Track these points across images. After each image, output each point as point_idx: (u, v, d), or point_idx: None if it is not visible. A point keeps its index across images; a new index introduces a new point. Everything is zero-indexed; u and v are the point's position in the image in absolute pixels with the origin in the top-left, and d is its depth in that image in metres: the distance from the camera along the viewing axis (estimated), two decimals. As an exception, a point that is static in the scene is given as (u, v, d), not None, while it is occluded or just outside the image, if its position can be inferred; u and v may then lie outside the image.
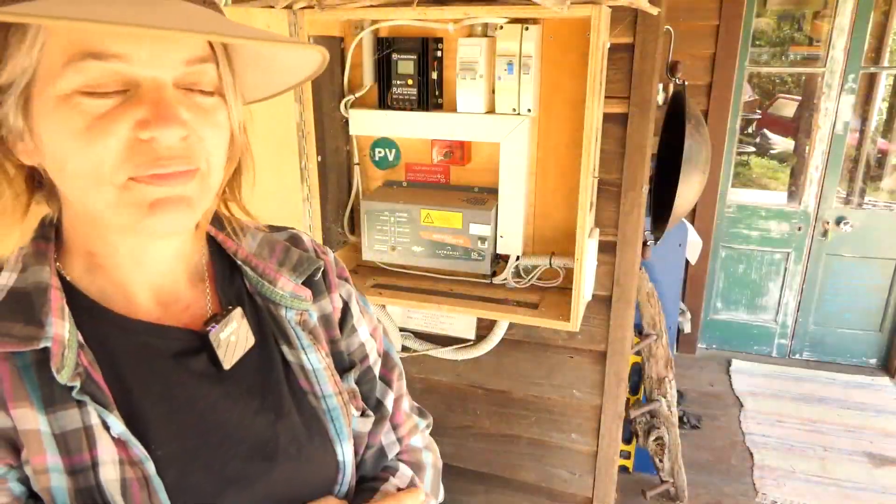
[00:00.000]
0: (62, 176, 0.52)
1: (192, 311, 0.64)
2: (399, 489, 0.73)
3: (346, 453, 0.68)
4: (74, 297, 0.57)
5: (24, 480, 0.53)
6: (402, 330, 1.86)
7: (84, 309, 0.57)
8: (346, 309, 0.74)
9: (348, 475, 0.69)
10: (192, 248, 0.66)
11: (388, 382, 0.78)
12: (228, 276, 0.68)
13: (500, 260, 1.62)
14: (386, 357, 0.79)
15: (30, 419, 0.52)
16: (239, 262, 0.68)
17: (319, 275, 0.71)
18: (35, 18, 0.41)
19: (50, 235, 0.59)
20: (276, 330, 0.67)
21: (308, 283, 0.70)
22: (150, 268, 0.61)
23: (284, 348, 0.67)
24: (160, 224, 0.52)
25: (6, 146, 0.53)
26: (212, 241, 0.68)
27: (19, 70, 0.48)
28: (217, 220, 0.68)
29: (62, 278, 0.58)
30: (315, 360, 0.67)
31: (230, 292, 0.67)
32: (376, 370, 0.77)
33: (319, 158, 1.53)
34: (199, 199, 0.55)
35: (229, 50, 0.57)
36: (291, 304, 0.67)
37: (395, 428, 0.78)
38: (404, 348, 1.87)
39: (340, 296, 0.74)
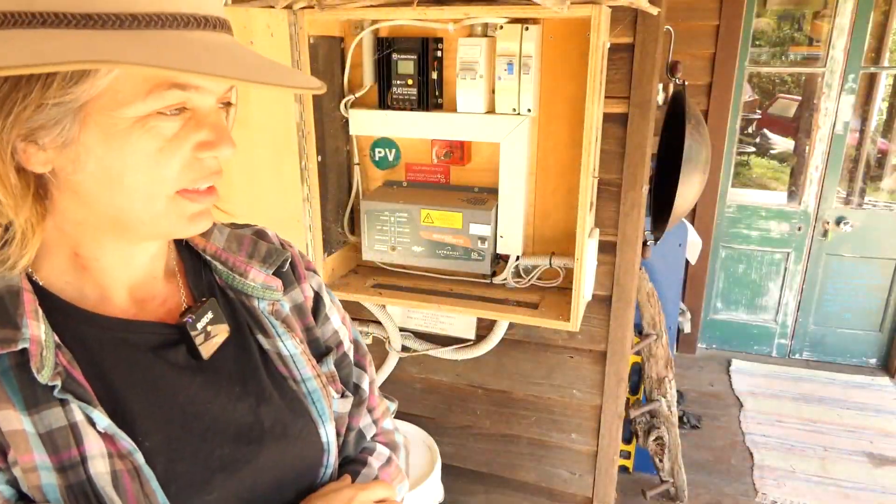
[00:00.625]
0: (109, 188, 0.54)
1: (168, 307, 0.66)
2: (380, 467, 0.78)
3: (329, 434, 0.70)
4: (47, 299, 0.58)
5: (13, 482, 0.53)
6: (402, 330, 1.86)
7: (58, 310, 0.58)
8: (318, 298, 0.77)
9: (333, 457, 0.71)
10: (166, 246, 0.68)
11: (362, 367, 0.81)
12: (199, 272, 0.70)
13: (500, 260, 1.62)
14: (357, 344, 0.82)
15: (13, 420, 0.52)
16: (208, 258, 0.70)
17: (287, 266, 0.74)
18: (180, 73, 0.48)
19: None
20: (250, 320, 0.69)
21: (277, 274, 0.72)
22: (133, 268, 0.63)
23: (260, 337, 0.69)
24: (195, 229, 0.60)
25: (18, 157, 0.52)
26: (177, 239, 0.70)
27: (94, 91, 0.50)
28: None
29: (33, 282, 0.58)
30: (291, 346, 0.70)
31: (202, 286, 0.69)
32: (350, 356, 0.80)
33: (319, 158, 1.53)
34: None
35: None
36: (263, 295, 0.70)
37: (370, 411, 0.81)
38: (404, 348, 1.87)
39: (311, 286, 0.77)
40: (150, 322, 0.63)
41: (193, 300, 0.67)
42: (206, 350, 0.64)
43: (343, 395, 0.75)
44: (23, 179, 0.53)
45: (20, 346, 0.52)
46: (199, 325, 0.63)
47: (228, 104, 0.60)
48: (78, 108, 0.50)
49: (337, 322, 0.79)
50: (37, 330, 0.54)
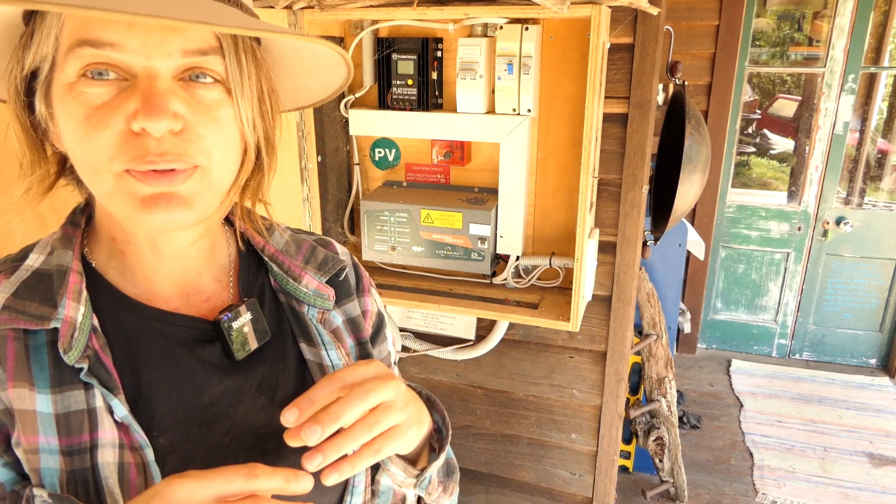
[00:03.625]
0: (74, 162, 0.54)
1: (213, 303, 0.64)
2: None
3: None
4: (96, 281, 0.59)
5: (13, 465, 0.53)
6: (402, 330, 1.86)
7: (104, 293, 0.59)
8: (381, 316, 0.76)
9: (360, 479, 0.68)
10: (216, 243, 0.66)
11: None
12: (254, 272, 0.68)
13: (500, 260, 1.62)
14: (397, 366, 0.81)
15: (26, 399, 0.53)
16: (265, 259, 0.68)
17: (345, 276, 0.72)
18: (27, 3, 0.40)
19: (79, 222, 0.61)
20: (296, 327, 0.67)
21: (333, 283, 0.70)
22: (167, 258, 0.61)
23: (303, 346, 0.67)
24: (153, 220, 0.52)
25: (42, 130, 0.55)
26: (242, 237, 0.69)
27: (40, 57, 0.50)
28: (247, 217, 0.69)
29: (88, 263, 0.60)
30: (335, 356, 0.67)
31: (253, 287, 0.67)
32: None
33: (319, 158, 1.53)
34: (200, 197, 0.53)
35: (255, 49, 0.56)
36: (314, 303, 0.68)
37: None
38: (404, 348, 1.87)
39: (376, 301, 0.75)
40: (190, 316, 0.62)
41: (240, 300, 0.65)
42: (240, 351, 0.62)
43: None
44: (49, 149, 0.56)
45: (52, 325, 0.53)
46: (235, 325, 0.61)
47: (214, 87, 0.52)
48: (43, 81, 0.51)
49: (390, 344, 0.78)
50: (73, 311, 0.54)
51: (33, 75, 0.52)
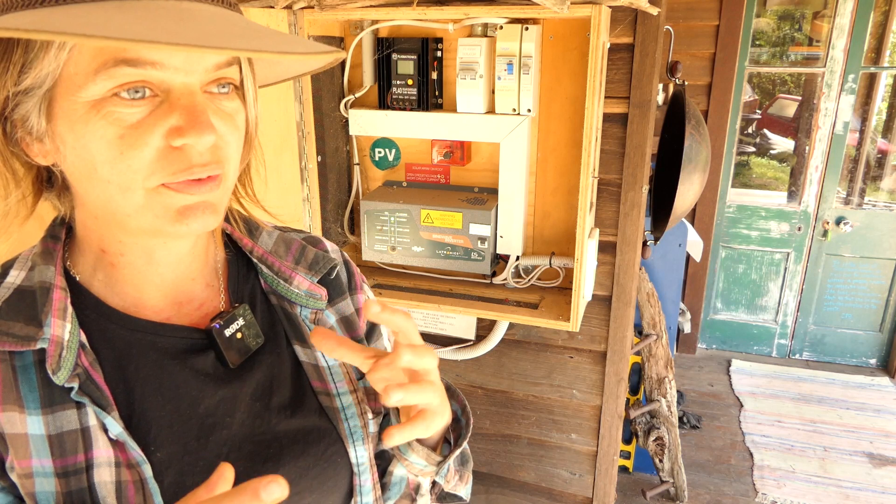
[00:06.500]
0: (89, 179, 0.51)
1: (205, 310, 0.63)
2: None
3: (359, 455, 0.65)
4: (81, 295, 0.57)
5: (10, 489, 0.52)
6: (402, 330, 1.86)
7: (90, 307, 0.57)
8: None
9: (366, 479, 0.67)
10: (207, 247, 0.64)
11: None
12: (244, 275, 0.67)
13: (499, 260, 1.62)
14: None
15: (17, 423, 0.51)
16: (255, 261, 0.67)
17: (336, 273, 0.71)
18: (83, 39, 0.39)
19: (59, 235, 0.59)
20: (289, 329, 0.66)
21: (325, 283, 0.69)
22: (162, 267, 0.60)
23: (297, 348, 0.66)
24: (187, 228, 0.52)
25: (19, 147, 0.52)
26: (230, 240, 0.68)
27: (44, 74, 0.47)
28: (234, 219, 0.68)
29: (71, 278, 0.58)
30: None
31: (244, 291, 0.66)
32: None
33: (319, 158, 1.53)
34: (222, 202, 0.55)
35: None
36: (307, 303, 0.66)
37: None
38: (404, 348, 1.87)
39: (368, 297, 0.74)
40: (181, 326, 0.60)
41: (231, 305, 0.63)
42: (234, 358, 0.61)
43: (385, 416, 0.70)
44: (22, 167, 0.53)
45: (39, 346, 0.51)
46: (228, 332, 0.60)
47: (236, 87, 0.54)
48: (42, 96, 0.48)
49: (385, 340, 0.76)
50: (59, 330, 0.53)
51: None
